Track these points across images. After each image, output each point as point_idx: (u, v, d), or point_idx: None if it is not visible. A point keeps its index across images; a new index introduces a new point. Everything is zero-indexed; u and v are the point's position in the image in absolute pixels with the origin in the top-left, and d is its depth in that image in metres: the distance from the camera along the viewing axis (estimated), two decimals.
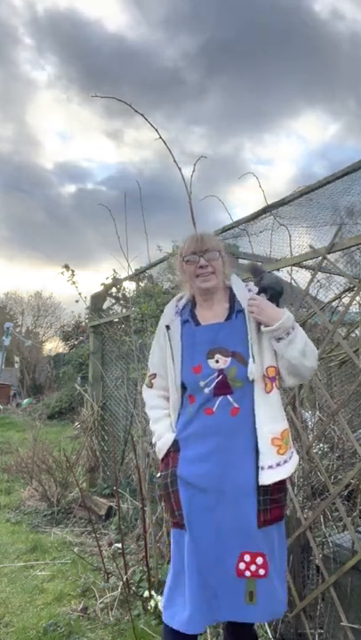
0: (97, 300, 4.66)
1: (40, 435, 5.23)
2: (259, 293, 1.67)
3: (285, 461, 1.61)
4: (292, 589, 2.02)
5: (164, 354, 1.76)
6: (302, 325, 3.14)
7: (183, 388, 1.70)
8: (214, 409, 1.61)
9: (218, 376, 1.62)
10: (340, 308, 2.98)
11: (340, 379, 3.37)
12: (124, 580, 2.48)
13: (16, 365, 20.16)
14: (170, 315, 1.80)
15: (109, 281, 4.51)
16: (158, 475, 1.73)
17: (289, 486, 2.12)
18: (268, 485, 1.57)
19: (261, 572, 1.54)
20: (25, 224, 43.31)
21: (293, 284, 2.37)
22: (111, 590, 2.58)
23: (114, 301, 4.74)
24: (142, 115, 2.37)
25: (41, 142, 47.82)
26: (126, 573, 2.48)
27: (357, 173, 2.16)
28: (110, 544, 3.21)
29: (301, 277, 2.63)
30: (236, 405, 1.60)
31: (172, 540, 1.70)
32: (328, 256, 2.09)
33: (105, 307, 4.78)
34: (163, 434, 1.72)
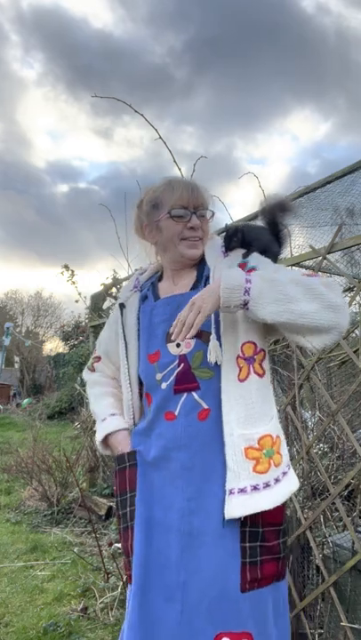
0: (97, 299, 4.67)
1: (40, 435, 5.24)
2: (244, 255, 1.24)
3: (268, 485, 1.07)
4: (292, 589, 2.02)
5: (113, 337, 1.38)
6: None
7: (142, 384, 1.30)
8: (176, 412, 1.17)
9: (179, 365, 1.18)
10: None
11: (340, 379, 3.36)
12: (124, 579, 2.48)
13: (16, 365, 20.20)
14: (127, 290, 1.40)
15: (109, 281, 4.53)
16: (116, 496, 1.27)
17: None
18: (257, 523, 1.07)
19: None
20: (19, 224, 43.54)
21: None
22: (111, 590, 2.58)
23: (114, 301, 4.75)
24: (142, 115, 2.38)
25: (32, 141, 48.11)
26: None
27: (357, 173, 2.16)
28: (110, 544, 3.20)
29: None
30: (205, 406, 1.15)
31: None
32: (328, 256, 2.09)
33: (105, 307, 4.78)
34: (103, 414, 1.33)
